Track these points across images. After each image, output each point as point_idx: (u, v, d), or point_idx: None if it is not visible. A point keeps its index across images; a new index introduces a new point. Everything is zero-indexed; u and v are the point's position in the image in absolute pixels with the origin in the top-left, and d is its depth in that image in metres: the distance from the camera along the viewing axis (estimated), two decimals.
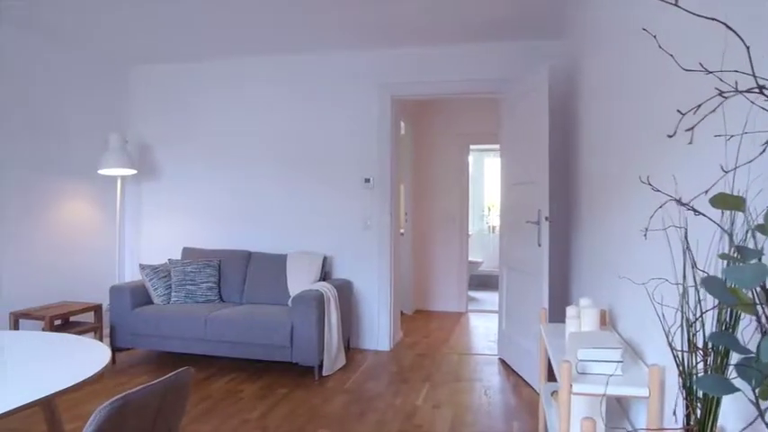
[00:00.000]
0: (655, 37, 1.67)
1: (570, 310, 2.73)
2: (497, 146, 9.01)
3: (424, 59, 5.02)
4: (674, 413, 1.64)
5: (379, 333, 5.12)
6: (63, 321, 4.59)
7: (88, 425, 1.35)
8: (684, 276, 1.50)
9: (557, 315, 4.63)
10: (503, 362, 4.77)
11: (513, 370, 4.53)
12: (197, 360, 4.72)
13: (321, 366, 4.29)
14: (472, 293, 8.18)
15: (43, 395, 1.72)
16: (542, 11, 4.11)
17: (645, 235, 1.89)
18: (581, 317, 2.64)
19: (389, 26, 4.46)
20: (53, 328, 4.27)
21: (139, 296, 4.66)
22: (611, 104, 2.99)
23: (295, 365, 4.56)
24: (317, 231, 5.24)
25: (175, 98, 5.66)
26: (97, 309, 4.64)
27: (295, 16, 4.26)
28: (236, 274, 4.97)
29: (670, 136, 1.41)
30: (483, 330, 6.04)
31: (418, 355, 4.97)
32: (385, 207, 5.09)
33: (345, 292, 4.80)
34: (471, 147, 7.30)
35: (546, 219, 3.94)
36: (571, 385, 1.98)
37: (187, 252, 5.18)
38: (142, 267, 4.78)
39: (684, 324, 1.44)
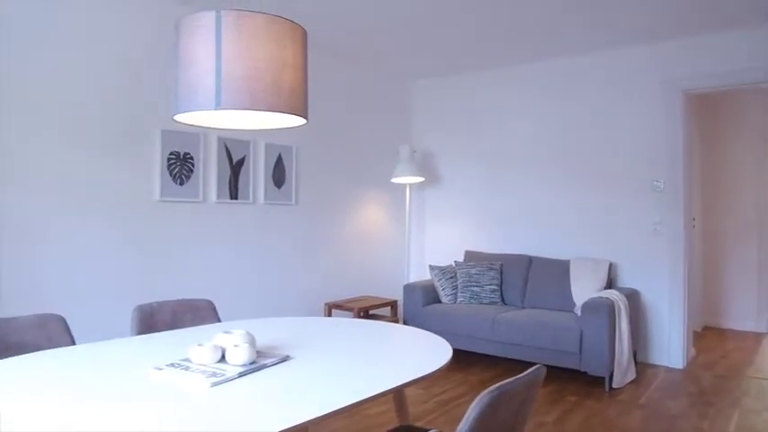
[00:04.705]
0: None
1: None
2: None
3: (718, 47, 4.51)
4: None
5: (670, 348, 4.76)
6: (364, 313, 5.16)
7: (471, 409, 1.51)
8: None
9: None
10: None
11: None
12: (481, 359, 4.92)
13: (611, 378, 4.14)
14: None
15: (401, 382, 1.75)
16: None
17: None
18: None
19: (676, 12, 4.10)
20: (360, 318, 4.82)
21: (429, 294, 5.03)
22: None
23: (582, 374, 4.48)
24: (600, 237, 5.07)
25: (453, 108, 5.99)
26: (393, 304, 5.13)
27: (571, 18, 4.21)
28: (517, 277, 5.06)
29: None
30: None
31: (718, 377, 4.50)
32: (678, 212, 4.73)
33: (633, 301, 4.56)
34: None
35: None
36: None
37: (469, 255, 5.43)
38: (431, 268, 5.15)
39: None
